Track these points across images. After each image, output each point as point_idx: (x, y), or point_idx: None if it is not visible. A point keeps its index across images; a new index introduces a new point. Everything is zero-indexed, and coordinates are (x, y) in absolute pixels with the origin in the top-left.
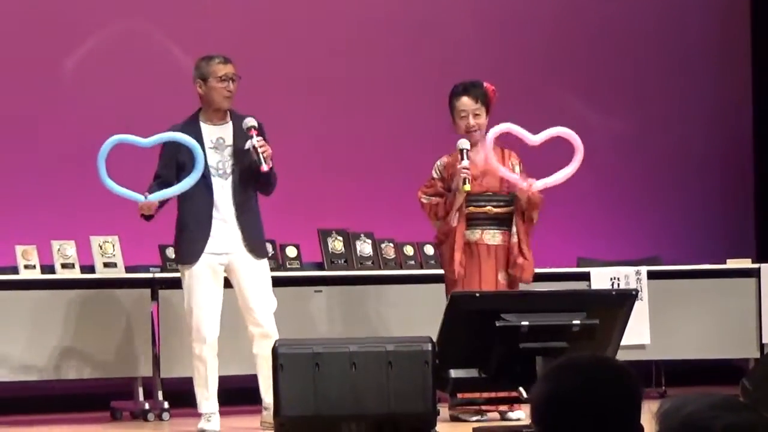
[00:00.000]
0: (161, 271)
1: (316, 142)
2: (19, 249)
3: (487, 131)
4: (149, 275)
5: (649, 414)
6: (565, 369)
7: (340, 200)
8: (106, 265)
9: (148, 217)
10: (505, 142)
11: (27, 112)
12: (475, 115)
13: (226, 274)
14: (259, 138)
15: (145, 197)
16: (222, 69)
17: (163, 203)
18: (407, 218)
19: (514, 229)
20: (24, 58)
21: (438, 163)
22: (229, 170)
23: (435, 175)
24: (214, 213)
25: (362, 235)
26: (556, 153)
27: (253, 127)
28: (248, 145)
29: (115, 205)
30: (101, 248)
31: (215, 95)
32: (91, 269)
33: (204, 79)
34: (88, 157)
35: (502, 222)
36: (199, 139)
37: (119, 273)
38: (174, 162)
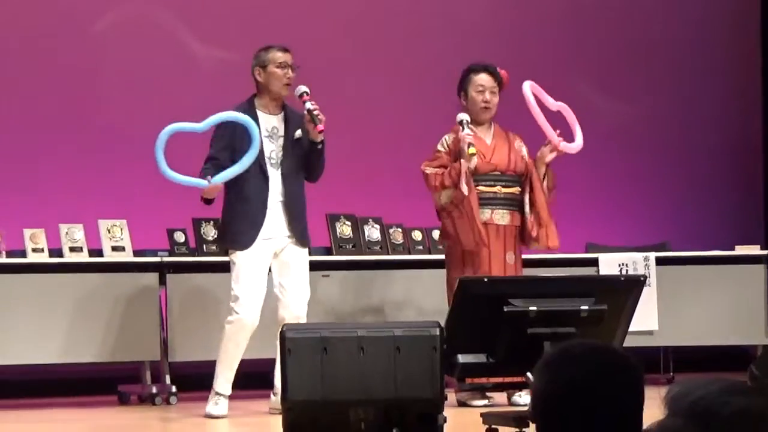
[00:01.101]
0: (169, 255)
1: (325, 126)
2: (27, 232)
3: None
4: (157, 259)
5: (657, 399)
6: (563, 360)
7: (349, 185)
8: (114, 248)
9: (209, 201)
10: (511, 127)
11: (35, 97)
12: (492, 93)
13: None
14: (313, 101)
15: (209, 181)
16: (281, 56)
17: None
18: (416, 203)
19: (527, 206)
20: (32, 44)
21: (445, 137)
22: (281, 160)
23: (441, 149)
24: (269, 200)
25: (370, 219)
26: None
27: (306, 92)
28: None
29: (124, 189)
30: (109, 232)
31: (274, 81)
32: (99, 253)
33: (263, 66)
34: (97, 140)
35: (511, 202)
36: (257, 124)
37: (127, 257)
38: (229, 145)
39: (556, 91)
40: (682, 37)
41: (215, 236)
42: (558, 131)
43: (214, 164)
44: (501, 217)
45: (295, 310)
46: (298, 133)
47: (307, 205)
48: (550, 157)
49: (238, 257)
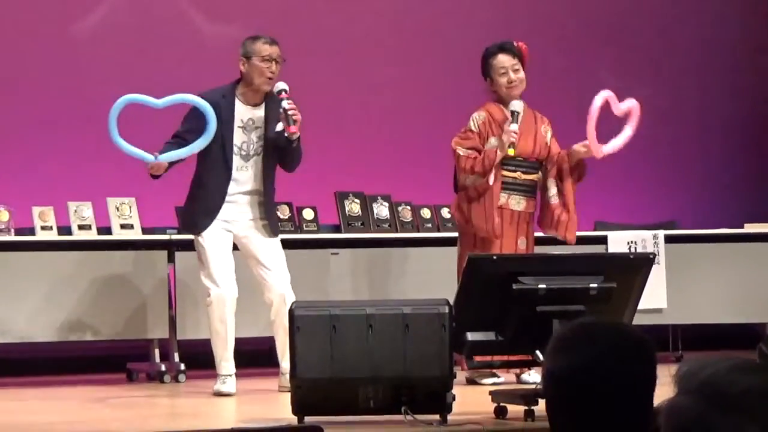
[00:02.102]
0: (178, 233)
1: (334, 104)
2: (36, 210)
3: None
4: (166, 237)
5: (667, 378)
6: (578, 338)
7: (358, 163)
8: (122, 226)
9: (154, 177)
10: (539, 108)
11: (45, 73)
12: (515, 70)
13: (235, 243)
14: (290, 101)
15: (155, 157)
16: (267, 49)
17: (172, 164)
18: (425, 181)
19: (553, 190)
20: (40, 18)
21: (476, 115)
22: (252, 152)
23: (473, 128)
24: (230, 189)
25: (379, 197)
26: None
27: (284, 90)
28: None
29: (133, 167)
30: (118, 210)
31: (256, 74)
32: (107, 231)
33: (248, 57)
34: (106, 119)
35: (529, 188)
36: (231, 114)
37: (136, 234)
38: (197, 128)
39: (568, 69)
40: (694, 12)
41: None
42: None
43: (177, 141)
44: (517, 202)
45: (279, 289)
46: (279, 126)
47: (277, 178)
48: (582, 156)
49: (200, 239)
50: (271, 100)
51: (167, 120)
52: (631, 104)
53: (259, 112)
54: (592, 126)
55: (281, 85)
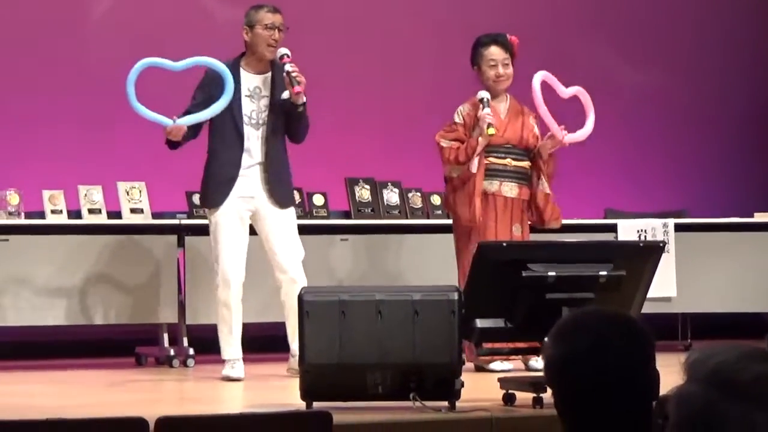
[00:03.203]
0: (188, 218)
1: (344, 89)
2: (46, 194)
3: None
4: (176, 221)
5: (676, 366)
6: (572, 329)
7: (368, 149)
8: (132, 210)
9: (174, 144)
10: (525, 102)
11: (55, 58)
12: (504, 65)
13: (251, 222)
14: (293, 64)
15: (174, 120)
16: (269, 17)
17: (191, 132)
18: (435, 167)
19: (542, 180)
20: (50, 1)
21: (460, 108)
22: (262, 120)
23: (457, 120)
24: (243, 160)
25: (389, 183)
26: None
27: (286, 54)
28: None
29: (143, 151)
30: (128, 194)
31: (259, 42)
32: (117, 215)
33: (251, 26)
34: (116, 102)
35: (521, 176)
36: (237, 85)
37: (146, 219)
38: (209, 99)
39: (576, 57)
40: (701, 2)
41: None
42: (563, 126)
43: (192, 111)
44: (509, 189)
45: (289, 271)
46: (285, 94)
47: (290, 166)
48: (551, 149)
49: (213, 216)
50: (276, 68)
51: (183, 86)
52: (575, 90)
53: (266, 80)
54: (545, 110)
55: (283, 50)
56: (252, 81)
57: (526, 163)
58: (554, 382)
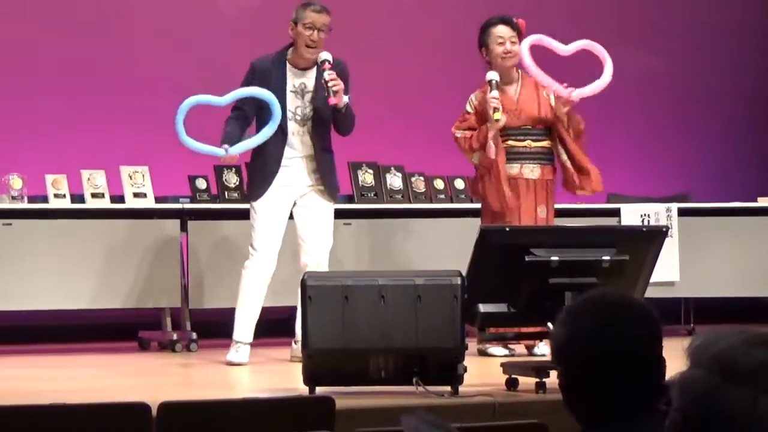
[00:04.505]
0: (191, 202)
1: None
2: (49, 178)
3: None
4: (179, 206)
5: (680, 350)
6: (583, 310)
7: (371, 133)
8: (135, 195)
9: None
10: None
11: (61, 42)
12: (512, 42)
13: (292, 209)
14: (331, 72)
15: (226, 150)
16: (311, 16)
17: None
18: (438, 152)
19: (564, 156)
20: None
21: (471, 97)
22: (306, 116)
23: (469, 109)
24: (286, 154)
25: (392, 168)
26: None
27: (327, 61)
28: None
29: (146, 135)
30: (131, 178)
31: (300, 41)
32: (120, 199)
33: (295, 23)
34: (119, 86)
35: (542, 156)
36: (282, 80)
37: (149, 203)
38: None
39: (577, 38)
40: None
41: (237, 183)
42: (566, 84)
43: (235, 115)
44: (531, 171)
45: (316, 256)
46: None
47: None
48: (564, 109)
49: (255, 206)
50: (320, 69)
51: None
52: (582, 43)
53: (311, 77)
54: (539, 72)
55: (324, 56)
56: (296, 78)
57: (546, 143)
58: (562, 362)
